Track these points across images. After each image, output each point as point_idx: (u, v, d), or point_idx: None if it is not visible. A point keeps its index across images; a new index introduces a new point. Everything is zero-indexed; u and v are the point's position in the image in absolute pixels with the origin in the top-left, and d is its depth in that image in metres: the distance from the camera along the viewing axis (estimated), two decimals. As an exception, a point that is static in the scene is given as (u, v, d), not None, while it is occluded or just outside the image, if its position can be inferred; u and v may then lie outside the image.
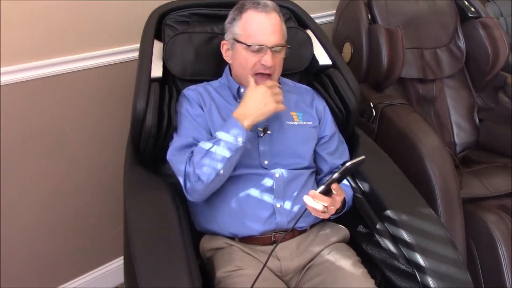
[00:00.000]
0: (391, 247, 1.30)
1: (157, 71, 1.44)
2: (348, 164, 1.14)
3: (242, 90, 1.39)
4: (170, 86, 1.47)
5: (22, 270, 1.75)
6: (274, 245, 1.22)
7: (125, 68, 1.75)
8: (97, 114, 1.77)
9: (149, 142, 1.36)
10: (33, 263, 1.77)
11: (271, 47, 1.31)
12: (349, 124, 1.59)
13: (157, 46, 1.49)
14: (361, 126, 1.72)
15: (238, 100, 1.40)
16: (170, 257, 1.11)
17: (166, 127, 1.37)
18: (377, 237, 1.34)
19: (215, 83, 1.46)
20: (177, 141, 1.33)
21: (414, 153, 1.70)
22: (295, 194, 1.34)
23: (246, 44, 1.32)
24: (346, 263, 1.27)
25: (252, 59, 1.33)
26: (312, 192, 1.17)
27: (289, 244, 1.32)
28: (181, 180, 1.28)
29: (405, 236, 1.25)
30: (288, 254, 1.30)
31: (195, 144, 1.30)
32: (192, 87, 1.44)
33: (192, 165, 1.25)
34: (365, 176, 1.42)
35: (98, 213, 1.90)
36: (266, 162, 1.35)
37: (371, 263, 1.34)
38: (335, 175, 1.16)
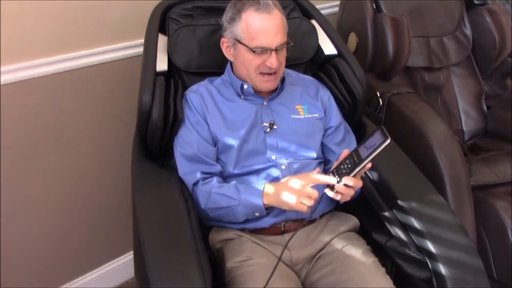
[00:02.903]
0: (402, 235, 1.29)
1: (162, 64, 1.43)
2: (377, 151, 1.12)
3: (245, 86, 1.38)
4: (175, 80, 1.46)
5: (28, 268, 1.75)
6: (288, 238, 1.22)
7: (130, 63, 1.75)
8: (103, 110, 1.77)
9: (156, 135, 1.36)
10: (38, 261, 1.77)
11: (276, 48, 1.29)
12: (356, 113, 1.58)
13: (162, 40, 1.48)
14: (368, 116, 1.70)
15: (241, 97, 1.39)
16: (180, 250, 1.11)
17: (173, 121, 1.36)
18: (387, 225, 1.33)
19: (217, 80, 1.44)
20: (182, 149, 1.34)
21: (423, 141, 1.69)
22: None
23: (251, 49, 1.29)
24: (356, 252, 1.26)
25: (256, 61, 1.31)
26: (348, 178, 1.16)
27: (299, 234, 1.30)
28: (188, 188, 1.32)
29: (416, 223, 1.24)
30: (298, 244, 1.29)
31: (200, 159, 1.31)
32: (194, 88, 1.42)
33: (203, 203, 1.28)
34: (374, 165, 1.39)
35: (106, 209, 1.90)
36: (273, 157, 1.34)
37: (381, 252, 1.33)
38: (366, 161, 1.13)
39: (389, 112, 1.88)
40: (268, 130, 1.35)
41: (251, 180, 1.33)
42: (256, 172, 1.34)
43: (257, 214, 1.26)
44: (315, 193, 1.15)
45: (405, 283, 1.26)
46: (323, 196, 1.19)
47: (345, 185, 1.16)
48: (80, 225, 1.85)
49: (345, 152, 1.19)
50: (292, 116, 1.38)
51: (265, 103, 1.40)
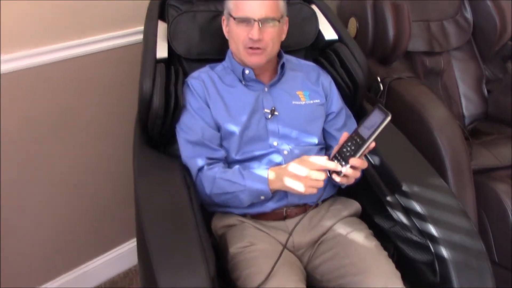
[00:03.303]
0: (403, 219, 1.29)
1: (162, 51, 1.43)
2: (380, 129, 1.11)
3: (247, 72, 1.37)
4: (176, 67, 1.45)
5: (30, 257, 1.76)
6: (292, 226, 1.23)
7: (130, 51, 1.73)
8: (104, 98, 1.76)
9: (157, 122, 1.35)
10: (42, 249, 1.79)
11: (258, 20, 1.28)
12: (357, 98, 1.57)
13: (162, 27, 1.47)
14: (369, 101, 1.70)
15: (243, 82, 1.38)
16: (183, 237, 1.11)
17: (174, 108, 1.36)
18: (389, 209, 1.33)
19: (218, 67, 1.44)
20: (186, 134, 1.34)
21: (423, 125, 1.69)
22: None
23: (233, 17, 1.30)
24: (358, 236, 1.27)
25: (242, 33, 1.30)
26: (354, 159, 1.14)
27: (301, 219, 1.30)
28: (192, 173, 1.31)
29: (417, 207, 1.24)
30: (300, 229, 1.29)
31: (205, 144, 1.31)
32: (195, 74, 1.42)
33: (208, 188, 1.28)
34: (375, 150, 1.38)
35: (108, 197, 1.91)
36: (275, 143, 1.35)
37: (383, 236, 1.33)
38: (370, 141, 1.12)
39: (390, 97, 1.87)
40: (269, 116, 1.35)
41: (253, 165, 1.33)
42: (258, 158, 1.34)
43: (262, 197, 1.26)
44: (321, 177, 1.14)
45: (407, 267, 1.26)
46: (328, 181, 1.18)
47: (352, 167, 1.14)
48: (84, 213, 1.86)
49: (345, 135, 1.17)
50: (293, 102, 1.38)
51: (266, 89, 1.39)
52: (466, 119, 2.17)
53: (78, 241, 1.88)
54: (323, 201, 1.39)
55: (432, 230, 1.20)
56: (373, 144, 1.13)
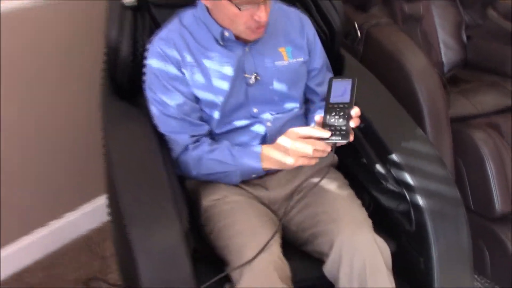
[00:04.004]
0: (380, 168, 1.29)
1: (129, -3, 1.36)
2: (354, 92, 1.10)
3: (226, 34, 1.22)
4: (144, 14, 1.39)
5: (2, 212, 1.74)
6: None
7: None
8: (68, 48, 1.72)
9: (126, 72, 1.31)
10: (15, 203, 1.77)
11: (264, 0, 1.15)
12: (333, 46, 1.53)
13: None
14: (346, 49, 1.66)
15: (221, 43, 1.24)
16: (155, 190, 1.10)
17: (143, 56, 1.30)
18: (365, 159, 1.33)
19: (188, 19, 1.28)
20: (162, 107, 1.22)
21: (402, 73, 1.67)
22: None
23: (238, 8, 1.14)
24: (332, 185, 1.26)
25: (244, 16, 1.16)
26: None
27: (278, 174, 1.30)
28: (173, 151, 1.24)
29: (394, 156, 1.24)
30: (276, 183, 1.29)
31: (185, 120, 1.23)
32: (164, 34, 1.25)
33: (194, 170, 1.23)
34: None
35: (78, 151, 1.89)
36: (255, 110, 1.28)
37: (360, 187, 1.33)
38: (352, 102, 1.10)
39: (368, 44, 1.84)
40: (252, 81, 1.26)
41: (236, 138, 1.28)
42: (241, 129, 1.28)
43: (254, 175, 1.23)
44: (306, 147, 1.08)
45: (384, 217, 1.27)
46: (335, 145, 1.12)
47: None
48: (52, 168, 1.84)
49: (319, 119, 1.12)
50: (275, 63, 1.29)
51: (247, 49, 1.26)
52: (445, 66, 2.15)
53: (52, 195, 1.86)
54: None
55: (408, 178, 1.20)
56: (357, 109, 1.10)
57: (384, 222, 1.25)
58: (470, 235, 1.17)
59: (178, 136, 1.22)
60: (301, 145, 1.08)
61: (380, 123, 1.32)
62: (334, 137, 1.08)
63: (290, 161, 1.10)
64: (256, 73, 1.26)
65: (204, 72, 1.23)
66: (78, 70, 1.76)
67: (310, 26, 1.39)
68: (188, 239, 1.05)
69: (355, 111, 1.09)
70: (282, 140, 1.12)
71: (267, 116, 1.28)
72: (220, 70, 1.23)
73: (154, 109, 1.24)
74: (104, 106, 1.32)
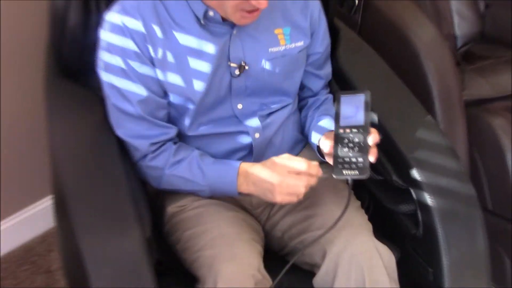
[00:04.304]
0: (381, 162, 1.29)
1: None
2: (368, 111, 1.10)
3: (211, 13, 1.15)
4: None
5: None
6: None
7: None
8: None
9: (74, 46, 1.29)
10: None
11: None
12: (327, 14, 1.52)
13: None
14: (341, 19, 1.65)
15: (202, 22, 1.16)
16: (110, 188, 1.09)
17: (95, 28, 1.26)
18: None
19: None
20: (119, 103, 1.17)
21: (407, 48, 1.67)
22: (277, 148, 1.31)
23: None
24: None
25: None
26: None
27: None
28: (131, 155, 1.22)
29: (398, 146, 1.24)
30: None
31: (148, 122, 1.18)
32: (128, 5, 1.14)
33: (154, 182, 1.23)
34: (348, 76, 1.40)
35: (19, 146, 1.87)
36: (239, 106, 1.25)
37: (357, 184, 1.30)
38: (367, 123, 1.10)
39: (367, 14, 1.85)
40: (237, 72, 1.21)
41: (214, 145, 1.26)
42: (221, 136, 1.26)
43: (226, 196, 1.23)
44: (300, 183, 1.09)
45: (386, 219, 1.28)
46: (352, 182, 1.11)
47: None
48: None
49: (328, 149, 1.13)
50: (269, 49, 1.24)
51: (234, 32, 1.19)
52: (459, 40, 2.16)
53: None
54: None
55: (415, 173, 1.20)
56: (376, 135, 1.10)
57: (386, 226, 1.26)
58: (487, 239, 1.17)
59: (136, 142, 1.19)
60: (293, 182, 1.09)
61: (382, 108, 1.31)
62: (348, 171, 1.07)
63: (277, 199, 1.11)
64: (244, 61, 1.21)
65: (178, 57, 1.16)
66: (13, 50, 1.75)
67: (316, 2, 1.33)
68: (150, 248, 1.04)
69: (374, 138, 1.08)
70: (266, 174, 1.12)
71: (254, 122, 1.26)
72: (198, 56, 1.17)
73: (108, 100, 1.19)
74: (48, 90, 1.29)
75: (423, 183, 1.19)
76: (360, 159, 1.07)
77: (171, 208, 1.24)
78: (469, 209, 1.20)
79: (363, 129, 1.09)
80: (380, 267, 1.10)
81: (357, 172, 1.06)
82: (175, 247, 1.21)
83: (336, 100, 1.14)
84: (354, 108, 1.12)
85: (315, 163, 1.11)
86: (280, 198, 1.10)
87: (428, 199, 1.17)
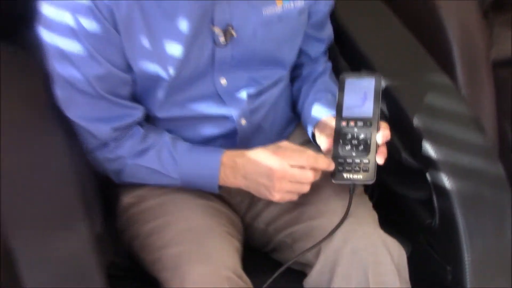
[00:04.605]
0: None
1: None
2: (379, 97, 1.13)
3: None
4: None
5: None
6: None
7: None
8: None
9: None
10: None
11: None
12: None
13: None
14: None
15: None
16: (50, 174, 1.07)
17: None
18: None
19: None
20: (70, 77, 1.11)
21: None
22: (266, 133, 1.31)
23: None
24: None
25: None
26: None
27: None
28: (86, 141, 1.19)
29: (408, 116, 1.23)
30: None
31: (106, 99, 1.14)
32: None
33: (114, 176, 1.22)
34: (350, 34, 1.41)
35: None
36: (223, 81, 1.22)
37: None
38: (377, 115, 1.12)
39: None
40: (222, 40, 1.18)
41: (190, 129, 1.25)
42: (198, 121, 1.25)
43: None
44: (309, 178, 1.10)
45: (394, 207, 1.31)
46: (353, 187, 1.14)
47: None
48: None
49: (326, 146, 1.16)
50: (264, 12, 1.20)
51: None
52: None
53: None
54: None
55: (430, 149, 1.19)
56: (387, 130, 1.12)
57: (395, 215, 1.29)
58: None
59: (93, 126, 1.16)
60: (297, 179, 1.10)
61: (390, 69, 1.31)
62: (350, 175, 1.09)
63: (275, 197, 1.12)
64: (231, 25, 1.18)
65: (148, 15, 1.11)
66: None
67: None
68: (102, 247, 1.03)
69: (383, 135, 1.10)
70: (267, 159, 1.11)
71: (240, 105, 1.24)
72: (173, 13, 1.12)
73: (54, 71, 1.13)
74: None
75: (440, 162, 1.18)
76: (365, 160, 1.08)
77: (127, 198, 1.24)
78: (497, 193, 1.19)
79: (371, 123, 1.10)
80: (387, 264, 1.09)
81: (361, 176, 1.07)
82: (132, 245, 1.20)
83: (339, 83, 1.14)
84: (361, 95, 1.13)
85: (324, 157, 1.12)
86: (279, 196, 1.12)
87: (446, 181, 1.16)
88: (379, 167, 1.14)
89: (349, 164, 1.08)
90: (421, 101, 1.26)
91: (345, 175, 1.07)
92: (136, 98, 1.21)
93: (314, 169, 1.11)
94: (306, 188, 1.12)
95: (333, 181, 1.08)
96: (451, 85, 1.32)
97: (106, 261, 1.06)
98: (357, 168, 1.07)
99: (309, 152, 1.12)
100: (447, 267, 1.18)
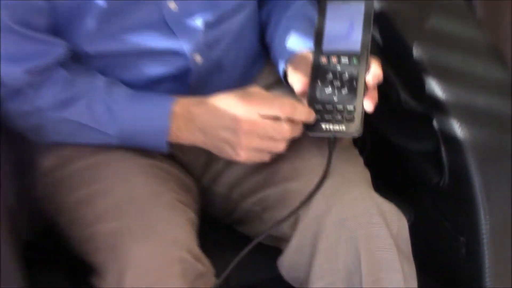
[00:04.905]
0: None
1: None
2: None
3: None
4: None
5: None
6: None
7: None
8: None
9: None
10: None
11: None
12: None
13: None
14: None
15: None
16: None
17: None
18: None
19: None
20: None
21: None
22: (227, 73, 1.30)
23: None
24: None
25: None
26: None
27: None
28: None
29: (408, 45, 1.22)
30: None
31: (17, 33, 1.08)
32: None
33: (32, 133, 1.17)
34: None
35: None
36: (172, 5, 1.16)
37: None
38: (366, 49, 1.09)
39: None
40: None
41: (128, 69, 1.21)
42: (140, 57, 1.20)
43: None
44: (286, 133, 1.08)
45: (391, 163, 1.35)
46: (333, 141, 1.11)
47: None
48: None
49: (300, 87, 1.13)
50: None
51: None
52: None
53: None
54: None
55: (436, 88, 1.18)
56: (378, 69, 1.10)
57: (392, 174, 1.31)
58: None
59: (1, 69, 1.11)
60: (270, 133, 1.08)
61: None
62: (329, 125, 1.06)
63: (241, 156, 1.10)
64: None
65: None
66: None
67: None
68: (14, 224, 1.03)
69: (374, 74, 1.08)
70: (229, 114, 1.09)
71: (194, 36, 1.20)
72: None
73: None
74: None
75: (449, 104, 1.17)
76: (350, 107, 1.06)
77: (49, 159, 1.20)
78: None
79: (358, 59, 1.08)
80: (384, 237, 1.06)
81: (343, 127, 1.05)
82: (56, 220, 1.18)
83: (319, 7, 1.13)
84: (346, 23, 1.11)
85: (304, 106, 1.10)
86: (245, 155, 1.10)
87: (458, 128, 1.15)
88: (368, 115, 1.12)
89: (329, 111, 1.06)
90: (424, 25, 1.27)
91: (324, 125, 1.05)
92: (57, 30, 1.15)
93: (291, 121, 1.08)
94: (280, 146, 1.09)
95: (309, 133, 1.06)
96: (464, 4, 1.32)
97: (20, 241, 1.06)
98: (339, 117, 1.05)
99: (286, 100, 1.09)
100: (460, 238, 1.17)
